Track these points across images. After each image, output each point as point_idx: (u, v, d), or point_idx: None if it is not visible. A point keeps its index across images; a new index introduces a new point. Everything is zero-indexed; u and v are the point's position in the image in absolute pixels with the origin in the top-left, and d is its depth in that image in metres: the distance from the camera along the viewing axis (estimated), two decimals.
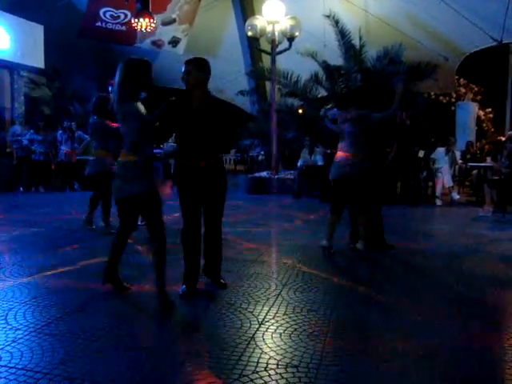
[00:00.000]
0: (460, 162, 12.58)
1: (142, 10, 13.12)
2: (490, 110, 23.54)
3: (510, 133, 14.75)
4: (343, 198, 5.63)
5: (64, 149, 13.93)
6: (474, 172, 12.15)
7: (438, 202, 10.95)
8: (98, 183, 7.18)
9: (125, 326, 3.51)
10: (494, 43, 13.00)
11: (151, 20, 13.31)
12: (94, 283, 4.55)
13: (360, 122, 5.49)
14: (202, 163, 4.13)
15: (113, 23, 15.79)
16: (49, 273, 4.95)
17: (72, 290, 4.39)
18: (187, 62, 4.20)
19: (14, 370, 2.79)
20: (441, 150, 11.52)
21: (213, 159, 4.19)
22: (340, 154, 5.58)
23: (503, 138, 12.89)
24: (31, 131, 14.22)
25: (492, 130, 23.65)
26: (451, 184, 11.35)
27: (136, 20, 13.31)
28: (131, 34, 15.72)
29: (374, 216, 5.86)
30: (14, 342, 3.19)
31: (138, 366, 2.88)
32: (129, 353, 3.06)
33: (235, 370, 2.84)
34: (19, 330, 3.39)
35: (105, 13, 15.53)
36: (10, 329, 3.41)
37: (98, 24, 15.60)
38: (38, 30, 15.27)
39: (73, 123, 14.35)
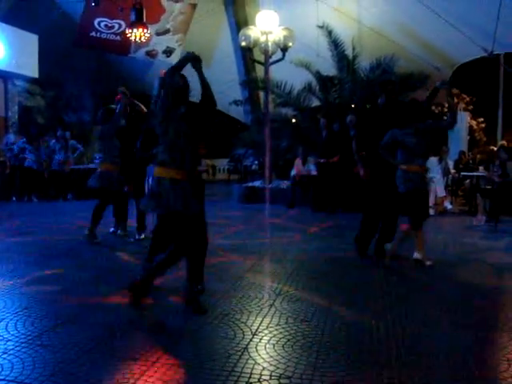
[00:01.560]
0: (453, 171, 12.62)
1: (137, 21, 13.15)
2: (482, 119, 23.66)
3: (501, 142, 14.87)
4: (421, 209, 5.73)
5: (58, 158, 13.89)
6: (467, 181, 12.20)
7: (431, 212, 10.97)
8: (102, 195, 7.16)
9: (117, 337, 3.49)
10: (485, 54, 13.09)
11: (145, 30, 13.35)
12: (86, 294, 4.54)
13: (430, 134, 5.64)
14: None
15: (107, 33, 15.82)
16: (41, 283, 4.93)
17: (64, 301, 4.37)
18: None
19: (4, 383, 2.77)
20: (433, 160, 11.55)
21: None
22: (415, 168, 5.61)
23: (495, 148, 12.95)
24: (23, 139, 14.16)
25: (484, 139, 23.77)
26: (444, 194, 11.38)
27: (130, 30, 13.34)
28: (125, 44, 15.74)
29: (388, 223, 6.02)
30: (4, 353, 3.17)
31: (130, 377, 2.87)
32: (121, 364, 3.04)
33: (228, 381, 2.83)
34: (10, 341, 3.37)
35: (99, 23, 15.55)
36: (1, 340, 3.39)
37: (93, 34, 15.62)
38: (32, 40, 15.25)
39: (67, 132, 14.32)
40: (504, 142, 15.07)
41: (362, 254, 6.11)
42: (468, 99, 23.62)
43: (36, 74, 15.64)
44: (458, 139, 16.55)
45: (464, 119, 17.93)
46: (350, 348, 3.32)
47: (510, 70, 11.61)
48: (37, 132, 14.70)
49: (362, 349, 3.31)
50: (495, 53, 13.22)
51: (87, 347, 3.27)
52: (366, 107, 12.86)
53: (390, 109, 5.85)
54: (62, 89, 17.35)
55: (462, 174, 12.66)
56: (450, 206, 11.41)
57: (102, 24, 15.52)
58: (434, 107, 21.92)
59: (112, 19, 15.38)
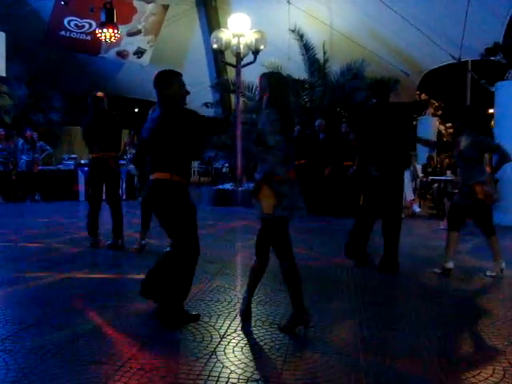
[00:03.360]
0: (421, 175, 12.82)
1: (107, 21, 13.03)
2: (449, 124, 24.07)
3: None
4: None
5: (25, 159, 13.65)
6: (435, 185, 12.39)
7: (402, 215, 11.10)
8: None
9: (83, 341, 3.44)
10: (453, 61, 13.33)
11: (116, 30, 13.24)
12: (51, 297, 4.48)
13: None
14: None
15: (77, 32, 15.64)
16: (4, 286, 4.85)
17: (28, 304, 4.30)
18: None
19: None
20: None
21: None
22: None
23: None
24: None
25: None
26: (412, 197, 11.54)
27: (100, 30, 13.21)
28: (96, 44, 15.59)
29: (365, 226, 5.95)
30: None
31: (96, 381, 2.83)
32: (87, 368, 3.00)
33: None
34: None
35: (69, 22, 15.37)
36: None
37: (63, 33, 15.42)
38: None
39: (34, 133, 14.11)
40: None
41: (362, 260, 5.94)
42: (437, 104, 24.04)
43: (3, 73, 15.36)
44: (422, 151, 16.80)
45: (433, 124, 18.23)
46: (317, 351, 3.34)
47: (483, 81, 11.83)
48: (6, 132, 14.41)
49: (329, 351, 3.33)
50: (463, 59, 13.47)
51: (52, 351, 3.22)
52: (336, 111, 12.99)
53: (383, 111, 5.84)
54: (31, 88, 17.07)
55: (430, 177, 12.86)
56: (418, 210, 11.57)
57: (72, 23, 15.35)
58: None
59: (82, 19, 15.22)
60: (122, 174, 13.82)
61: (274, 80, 3.89)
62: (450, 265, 5.63)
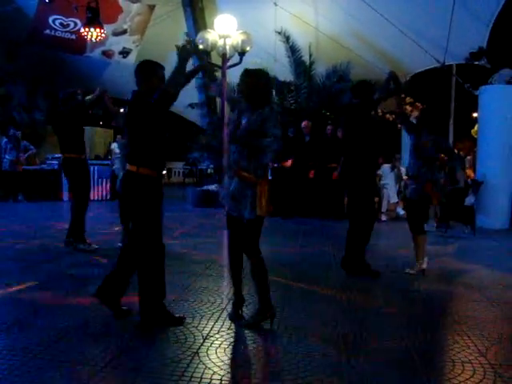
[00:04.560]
0: (405, 177, 12.88)
1: (92, 20, 12.94)
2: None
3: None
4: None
5: (9, 158, 13.50)
6: None
7: (383, 218, 11.17)
8: None
9: (65, 342, 3.41)
10: (438, 64, 13.42)
11: (101, 30, 13.14)
12: (32, 298, 4.44)
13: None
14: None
15: (62, 31, 15.48)
16: None
17: (10, 305, 4.26)
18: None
19: None
20: (386, 167, 11.77)
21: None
22: None
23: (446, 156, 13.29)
24: None
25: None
26: (396, 200, 11.61)
27: (86, 29, 13.11)
28: (81, 43, 15.44)
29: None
30: None
31: (79, 382, 2.81)
32: (69, 369, 2.98)
33: None
34: None
35: (54, 20, 15.21)
36: None
37: (47, 31, 15.26)
38: None
39: (18, 132, 13.97)
40: (455, 151, 15.48)
41: (365, 269, 5.70)
42: (422, 107, 24.18)
43: None
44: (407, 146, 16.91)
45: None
46: (300, 352, 3.34)
47: (468, 85, 11.91)
48: None
49: (312, 353, 3.33)
50: (447, 63, 13.56)
51: (33, 352, 3.19)
52: (322, 112, 13.02)
53: (367, 111, 5.82)
54: (14, 87, 16.90)
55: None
56: (402, 212, 11.63)
57: (57, 22, 15.19)
58: (388, 115, 22.41)
59: (67, 17, 15.07)
60: (106, 173, 13.78)
61: (265, 79, 3.90)
62: (424, 265, 5.77)
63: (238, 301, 4.00)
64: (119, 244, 6.74)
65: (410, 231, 5.90)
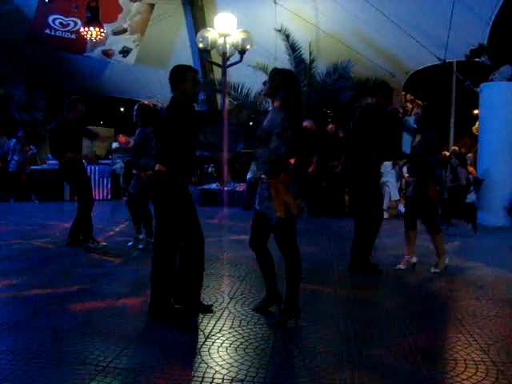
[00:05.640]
0: (406, 175, 12.85)
1: (92, 19, 12.93)
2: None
3: (453, 148, 15.27)
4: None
5: (16, 159, 13.53)
6: None
7: (385, 215, 11.14)
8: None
9: (66, 342, 3.41)
10: (438, 62, 13.40)
11: (101, 29, 13.14)
12: (33, 298, 4.44)
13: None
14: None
15: (62, 31, 15.47)
16: None
17: (10, 305, 4.26)
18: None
19: None
20: (387, 164, 11.73)
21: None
22: None
23: (447, 153, 13.28)
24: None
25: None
26: (397, 197, 11.59)
27: (86, 29, 13.10)
28: (81, 43, 15.44)
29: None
30: None
31: (80, 382, 2.80)
32: (70, 369, 2.98)
33: None
34: None
35: (54, 20, 15.20)
36: None
37: (47, 31, 15.26)
38: None
39: (20, 133, 14.03)
40: (456, 148, 15.47)
41: (370, 268, 5.66)
42: (422, 104, 24.14)
43: None
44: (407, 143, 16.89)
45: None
46: (302, 351, 3.34)
47: (468, 82, 11.88)
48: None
49: (314, 351, 3.33)
50: (448, 61, 13.54)
51: (35, 352, 3.18)
52: (322, 110, 13.00)
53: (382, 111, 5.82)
54: (14, 87, 16.89)
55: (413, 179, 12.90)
56: (403, 210, 11.59)
57: (57, 21, 15.19)
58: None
59: (67, 17, 15.07)
60: (106, 173, 13.78)
61: (289, 78, 3.84)
62: (414, 259, 5.85)
63: (269, 297, 4.06)
64: (129, 244, 6.79)
65: (405, 228, 5.92)
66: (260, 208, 3.85)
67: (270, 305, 4.09)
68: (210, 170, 16.12)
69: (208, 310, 4.10)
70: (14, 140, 13.82)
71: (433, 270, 5.73)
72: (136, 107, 6.70)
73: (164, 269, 3.91)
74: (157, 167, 3.92)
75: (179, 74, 3.94)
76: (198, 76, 4.08)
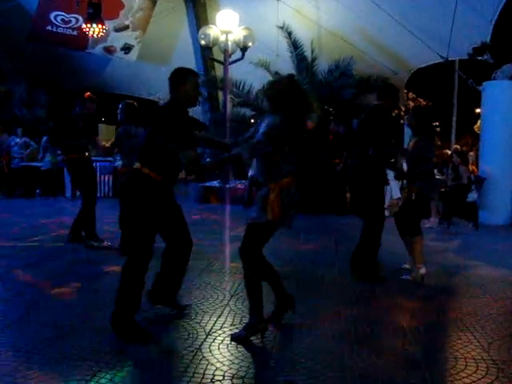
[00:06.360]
0: None
1: (94, 16, 12.92)
2: (437, 123, 24.20)
3: (455, 146, 15.25)
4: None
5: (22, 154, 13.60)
6: None
7: (386, 213, 11.11)
8: None
9: (68, 338, 3.42)
10: (441, 60, 13.38)
11: (103, 26, 13.12)
12: (34, 294, 4.45)
13: None
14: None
15: (64, 27, 15.46)
16: None
17: (12, 301, 4.26)
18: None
19: None
20: None
21: None
22: None
23: (449, 152, 13.27)
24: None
25: (439, 143, 24.32)
26: (398, 195, 11.56)
27: (87, 25, 13.09)
28: (83, 39, 15.42)
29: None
30: None
31: (82, 378, 2.81)
32: (72, 365, 2.98)
33: (181, 381, 2.81)
34: None
35: (55, 17, 15.19)
36: None
37: (49, 28, 15.24)
38: None
39: (19, 129, 14.03)
40: (457, 146, 15.46)
41: (374, 275, 5.43)
42: (424, 103, 24.14)
43: None
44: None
45: None
46: (303, 350, 3.34)
47: (471, 81, 11.87)
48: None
49: (315, 349, 3.33)
50: (450, 59, 13.52)
51: (36, 348, 3.19)
52: (324, 108, 12.98)
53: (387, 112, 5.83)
54: (15, 84, 16.89)
55: None
56: None
57: (59, 18, 15.17)
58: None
59: (69, 13, 15.05)
60: (108, 170, 13.77)
61: (284, 86, 3.73)
62: (423, 270, 5.37)
63: (280, 305, 3.85)
64: None
65: (400, 232, 5.67)
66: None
67: (283, 312, 3.86)
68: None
69: (183, 309, 4.06)
70: (45, 137, 13.62)
71: (404, 277, 5.37)
72: (121, 105, 6.67)
73: (133, 284, 3.57)
74: (137, 165, 3.69)
75: (181, 76, 3.83)
76: (199, 80, 3.98)
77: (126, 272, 3.58)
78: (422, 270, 5.25)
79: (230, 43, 12.85)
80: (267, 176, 3.57)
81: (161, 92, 14.86)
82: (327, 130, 11.34)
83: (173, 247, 3.92)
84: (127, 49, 16.40)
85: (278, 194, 3.48)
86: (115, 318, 3.53)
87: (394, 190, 11.35)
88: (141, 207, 3.59)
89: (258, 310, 3.52)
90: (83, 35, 14.39)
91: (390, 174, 10.85)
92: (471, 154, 16.18)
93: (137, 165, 3.70)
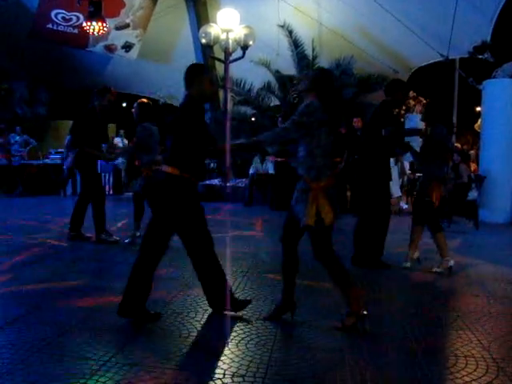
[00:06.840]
0: (408, 172, 12.85)
1: (95, 14, 12.91)
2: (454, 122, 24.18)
3: (455, 145, 15.23)
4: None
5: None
6: None
7: None
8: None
9: (66, 338, 3.42)
10: (441, 58, 13.38)
11: (104, 24, 13.11)
12: (35, 293, 4.45)
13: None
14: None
15: (65, 25, 15.45)
16: None
17: (13, 299, 4.26)
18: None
19: None
20: (390, 161, 11.72)
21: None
22: None
23: (459, 145, 13.26)
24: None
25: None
26: (399, 194, 11.57)
27: (88, 23, 13.08)
28: (83, 38, 15.41)
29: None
30: None
31: (82, 376, 2.81)
32: (72, 364, 2.98)
33: (180, 380, 2.81)
34: None
35: (56, 15, 15.17)
36: None
37: (50, 26, 15.23)
38: None
39: (18, 127, 14.05)
40: (458, 145, 15.44)
41: (378, 263, 5.77)
42: (425, 102, 24.11)
43: None
44: (414, 141, 16.86)
45: (420, 122, 18.25)
46: (303, 347, 3.34)
47: (471, 79, 11.86)
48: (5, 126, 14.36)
49: (315, 347, 3.33)
50: (451, 58, 13.52)
51: (37, 347, 3.20)
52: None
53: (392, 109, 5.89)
54: (16, 81, 16.89)
55: (418, 174, 12.90)
56: (405, 206, 11.62)
57: (59, 16, 15.15)
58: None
59: (69, 11, 15.03)
60: (109, 168, 13.76)
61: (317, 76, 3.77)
62: (416, 255, 5.81)
63: (283, 304, 3.86)
64: (126, 241, 6.78)
65: (413, 223, 5.87)
66: (294, 207, 3.70)
67: (283, 312, 3.88)
68: (211, 165, 16.11)
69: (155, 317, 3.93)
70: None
71: (434, 270, 5.63)
72: (135, 105, 6.75)
73: (149, 269, 3.77)
74: (168, 169, 3.72)
75: (196, 72, 3.84)
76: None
77: (139, 266, 3.73)
78: (451, 262, 5.52)
79: (230, 42, 12.83)
80: (308, 169, 3.60)
81: (161, 90, 14.85)
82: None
83: (195, 247, 3.96)
84: (128, 47, 16.39)
85: (324, 196, 3.53)
86: (125, 307, 3.69)
87: (394, 188, 11.35)
88: (181, 209, 3.75)
89: (352, 298, 3.64)
90: (84, 33, 14.39)
91: (392, 172, 10.86)
92: (472, 152, 16.16)
93: (166, 168, 3.72)
